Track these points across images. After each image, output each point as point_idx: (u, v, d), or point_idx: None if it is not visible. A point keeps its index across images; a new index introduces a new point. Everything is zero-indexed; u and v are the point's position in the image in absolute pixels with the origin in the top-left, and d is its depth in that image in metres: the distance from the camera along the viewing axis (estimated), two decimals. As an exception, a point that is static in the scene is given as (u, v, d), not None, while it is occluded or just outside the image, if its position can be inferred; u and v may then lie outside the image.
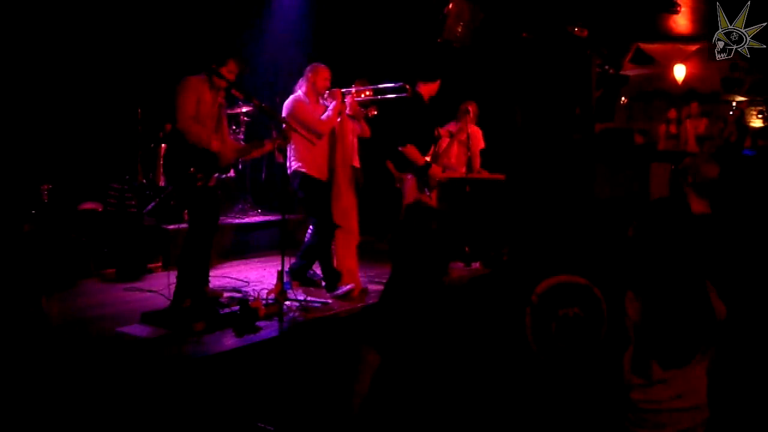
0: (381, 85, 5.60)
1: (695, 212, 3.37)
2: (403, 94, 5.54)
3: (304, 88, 5.49)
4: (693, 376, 2.30)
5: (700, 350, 2.28)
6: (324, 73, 5.46)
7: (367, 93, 5.54)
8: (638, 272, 2.39)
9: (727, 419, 2.46)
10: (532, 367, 2.24)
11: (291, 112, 5.37)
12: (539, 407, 2.36)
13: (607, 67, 9.27)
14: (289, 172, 5.45)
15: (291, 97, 5.48)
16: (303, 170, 5.38)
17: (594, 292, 2.12)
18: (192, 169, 4.58)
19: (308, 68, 5.52)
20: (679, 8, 8.15)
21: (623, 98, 11.14)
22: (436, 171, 6.05)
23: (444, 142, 6.72)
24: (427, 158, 6.07)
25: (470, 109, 6.82)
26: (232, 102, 7.35)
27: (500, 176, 7.01)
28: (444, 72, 6.29)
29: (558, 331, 2.18)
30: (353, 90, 5.56)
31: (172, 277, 5.79)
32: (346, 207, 5.54)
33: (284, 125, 5.30)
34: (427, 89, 6.07)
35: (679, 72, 10.83)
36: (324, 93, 5.49)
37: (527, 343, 2.21)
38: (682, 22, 9.11)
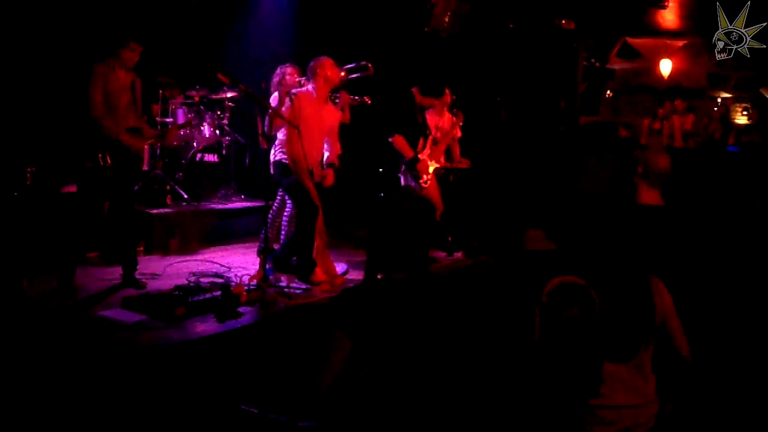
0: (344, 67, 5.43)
1: (646, 203, 3.39)
2: (366, 73, 5.43)
3: (313, 85, 5.27)
4: (639, 371, 2.30)
5: (642, 343, 2.29)
6: (330, 62, 5.24)
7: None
8: (585, 266, 2.44)
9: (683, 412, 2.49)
10: (533, 365, 2.28)
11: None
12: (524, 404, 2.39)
13: (593, 60, 9.34)
14: (271, 161, 5.36)
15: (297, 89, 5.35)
16: (286, 162, 5.23)
17: (590, 293, 2.13)
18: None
19: (312, 63, 5.26)
20: (666, 3, 8.20)
21: (609, 92, 11.21)
22: (424, 166, 6.01)
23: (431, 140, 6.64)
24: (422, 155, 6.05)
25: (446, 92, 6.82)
26: (217, 87, 7.33)
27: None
28: (429, 62, 6.29)
29: (561, 331, 2.19)
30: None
31: (154, 260, 5.84)
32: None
33: (269, 112, 5.31)
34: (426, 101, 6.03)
35: (665, 67, 10.88)
36: (338, 83, 5.28)
37: (533, 342, 2.23)
38: (669, 17, 9.16)
